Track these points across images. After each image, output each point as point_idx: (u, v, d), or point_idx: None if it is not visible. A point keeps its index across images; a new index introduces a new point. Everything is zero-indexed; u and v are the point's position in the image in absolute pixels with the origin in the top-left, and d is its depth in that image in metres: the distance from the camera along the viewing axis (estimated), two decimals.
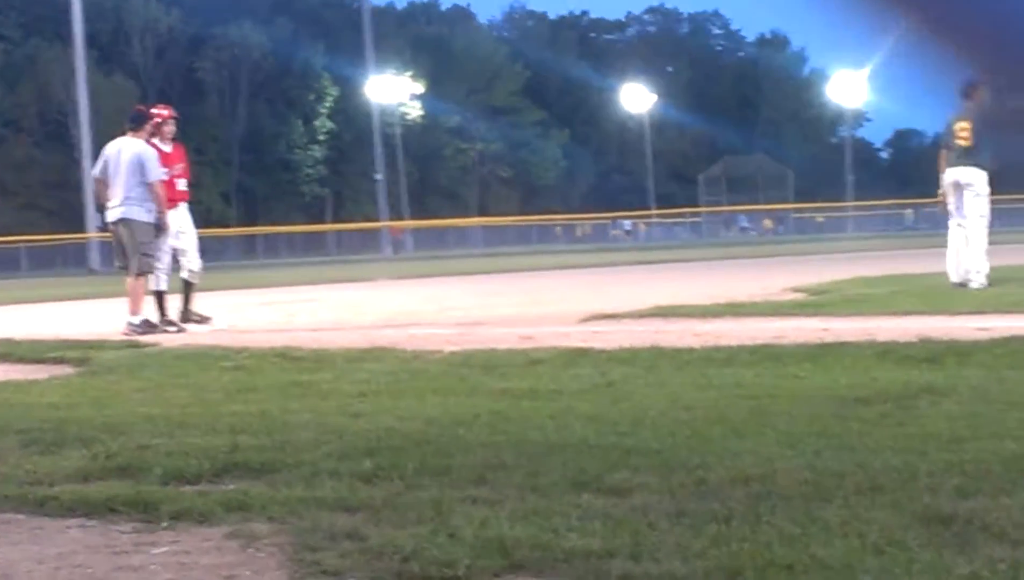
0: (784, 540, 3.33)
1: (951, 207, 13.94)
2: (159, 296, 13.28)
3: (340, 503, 4.06)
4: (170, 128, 13.80)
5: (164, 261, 13.40)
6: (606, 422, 5.45)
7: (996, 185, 13.77)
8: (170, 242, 13.49)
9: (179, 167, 13.84)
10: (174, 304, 13.54)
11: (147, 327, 12.63)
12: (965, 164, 13.75)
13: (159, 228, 12.98)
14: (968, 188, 13.80)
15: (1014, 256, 18.38)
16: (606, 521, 3.62)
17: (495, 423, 5.55)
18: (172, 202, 13.44)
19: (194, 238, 13.93)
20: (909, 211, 79.29)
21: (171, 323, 13.08)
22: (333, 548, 3.54)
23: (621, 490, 4.05)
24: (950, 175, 13.87)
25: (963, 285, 13.45)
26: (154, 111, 13.85)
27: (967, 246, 13.77)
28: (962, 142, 13.74)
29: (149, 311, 12.99)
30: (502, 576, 3.24)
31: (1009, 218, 71.55)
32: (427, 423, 5.61)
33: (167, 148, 13.71)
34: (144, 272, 12.91)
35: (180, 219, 13.66)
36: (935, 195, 14.37)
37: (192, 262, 13.80)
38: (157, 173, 12.96)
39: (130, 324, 12.65)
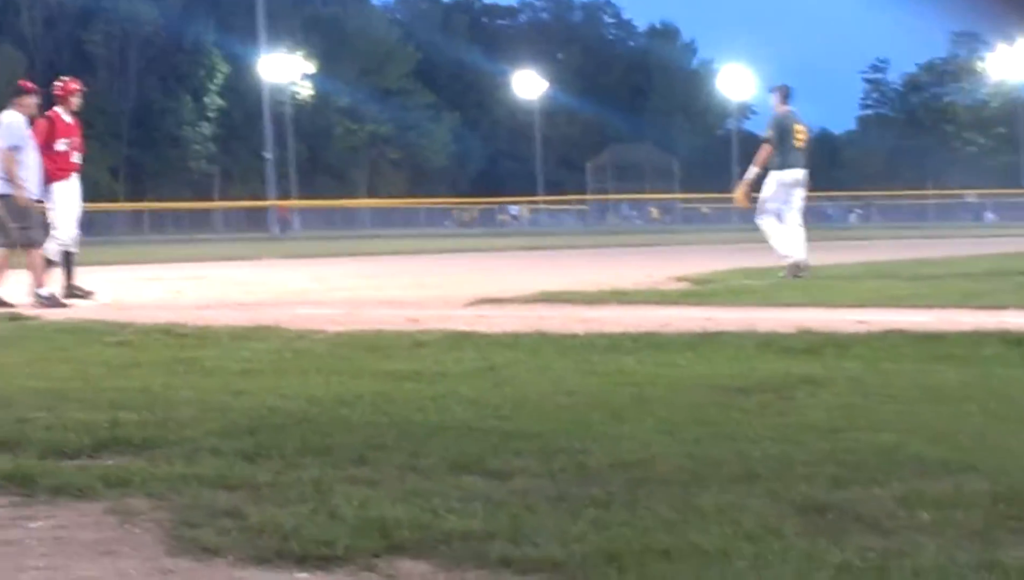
0: (662, 526, 3.37)
1: (776, 204, 14.59)
2: (63, 263, 13.32)
3: (220, 480, 4.02)
4: (77, 100, 13.83)
5: (50, 231, 13.33)
6: (488, 405, 5.46)
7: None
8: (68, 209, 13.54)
9: (76, 140, 13.81)
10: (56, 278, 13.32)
11: (52, 301, 12.41)
12: (803, 165, 14.73)
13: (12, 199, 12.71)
14: (801, 186, 14.74)
15: (899, 251, 18.75)
16: (486, 503, 3.63)
17: (378, 404, 5.53)
18: (65, 173, 13.48)
19: (78, 211, 13.79)
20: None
21: (78, 290, 13.12)
22: (212, 525, 3.51)
23: (501, 473, 4.07)
24: (795, 173, 14.65)
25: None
26: (67, 84, 13.82)
27: (793, 235, 14.53)
28: (800, 144, 14.66)
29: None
30: (381, 556, 3.23)
31: (892, 214, 73.03)
32: (310, 402, 5.58)
33: (68, 119, 13.70)
34: (29, 244, 12.68)
35: (71, 191, 13.63)
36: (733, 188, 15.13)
37: (66, 233, 13.59)
38: (4, 145, 12.76)
39: (37, 296, 12.46)
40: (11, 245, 12.67)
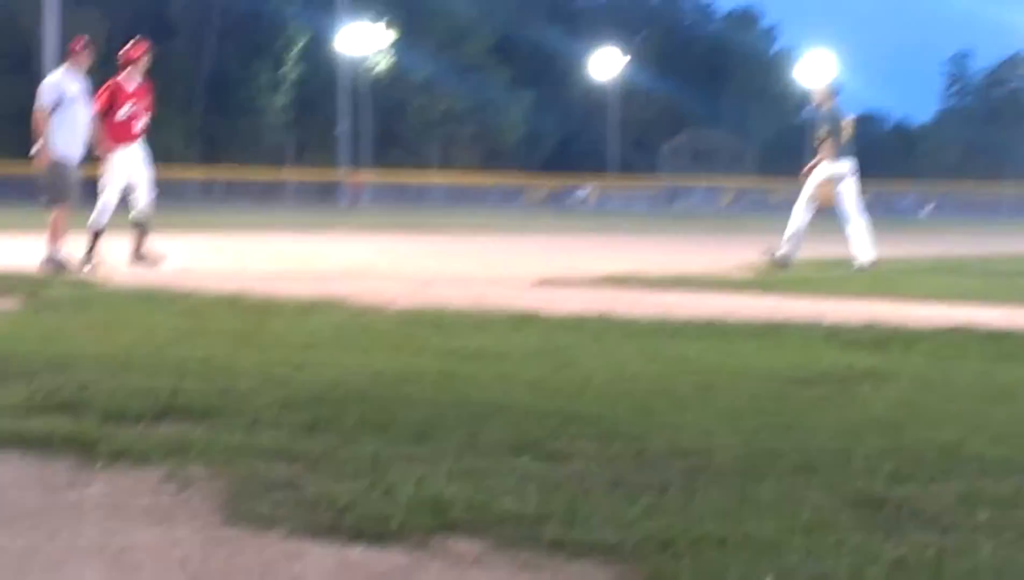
0: (717, 514, 3.36)
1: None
2: (95, 234, 13.23)
3: (278, 452, 4.05)
4: (143, 64, 13.80)
5: (109, 198, 13.42)
6: (549, 388, 5.47)
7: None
8: (121, 179, 13.50)
9: (141, 106, 13.77)
10: (124, 244, 13.48)
11: (52, 265, 12.46)
12: (851, 157, 14.96)
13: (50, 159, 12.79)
14: (849, 178, 14.96)
15: (971, 245, 18.53)
16: (542, 486, 3.63)
17: (439, 382, 5.55)
18: (123, 140, 13.44)
19: (147, 177, 13.82)
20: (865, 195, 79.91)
21: (88, 261, 12.99)
22: (268, 497, 3.54)
23: (559, 456, 4.07)
24: (844, 166, 14.85)
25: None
26: (132, 47, 13.83)
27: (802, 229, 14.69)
28: (849, 137, 14.94)
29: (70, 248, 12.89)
30: (435, 534, 3.25)
31: (967, 208, 72.11)
32: (371, 378, 5.61)
33: (132, 86, 13.70)
34: (51, 204, 12.82)
35: (134, 157, 13.63)
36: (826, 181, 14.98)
37: (140, 200, 13.70)
38: (39, 104, 12.84)
39: (43, 259, 12.59)
40: (60, 203, 12.77)
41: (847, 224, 14.80)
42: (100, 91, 13.49)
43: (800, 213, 14.78)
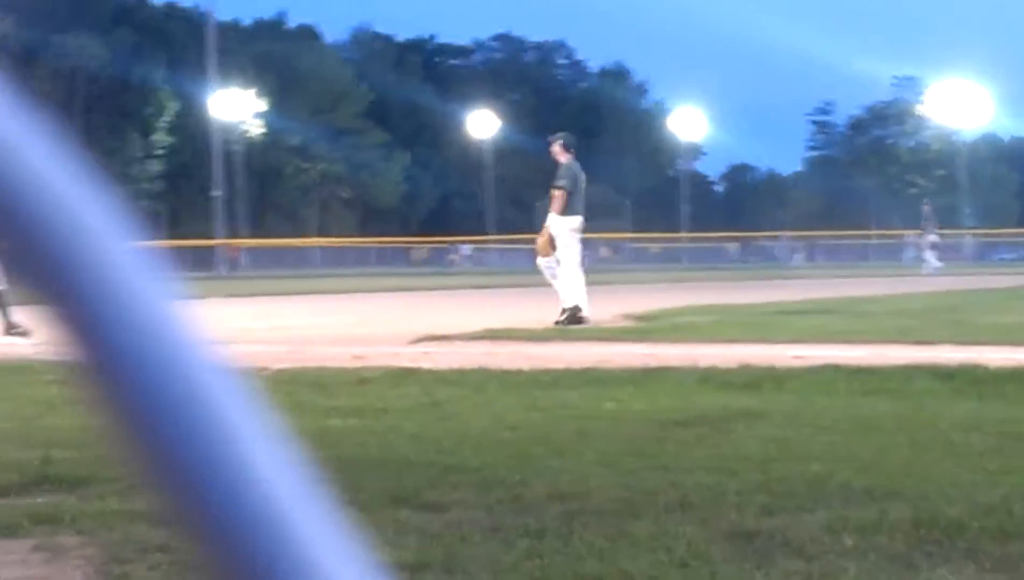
0: (594, 554, 3.40)
1: (573, 247, 14.51)
2: None
3: (152, 516, 4.01)
4: None
5: None
6: (430, 440, 5.49)
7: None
8: None
9: None
10: None
11: None
12: (584, 213, 14.81)
13: None
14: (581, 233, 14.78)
15: (840, 289, 18.93)
16: (421, 535, 3.65)
17: (319, 440, 5.53)
18: None
19: None
20: (735, 245, 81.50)
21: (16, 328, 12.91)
22: (143, 560, 3.51)
23: (438, 506, 4.09)
24: (579, 221, 14.67)
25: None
26: None
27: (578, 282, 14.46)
28: (582, 193, 14.72)
29: None
30: None
31: (835, 254, 73.77)
32: None
33: None
34: None
35: None
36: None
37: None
38: None
39: None
40: None
41: (556, 276, 14.63)
42: None
43: (572, 274, 14.55)
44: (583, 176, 14.84)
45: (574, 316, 13.87)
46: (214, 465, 0.36)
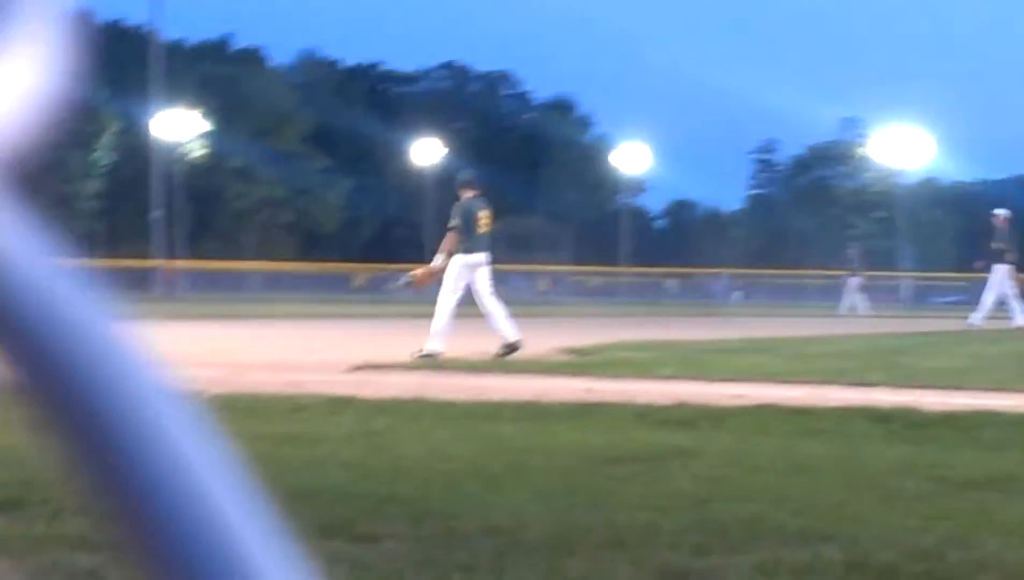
0: None
1: (459, 283, 14.54)
2: None
3: (82, 541, 3.95)
4: None
5: None
6: (364, 470, 5.46)
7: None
8: None
9: None
10: None
11: None
12: (486, 248, 14.90)
13: None
14: (484, 268, 14.84)
15: (779, 329, 19.06)
16: (352, 566, 3.62)
17: (251, 466, 5.48)
18: None
19: None
20: (675, 281, 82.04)
21: None
22: None
23: (371, 537, 4.07)
24: (479, 258, 14.76)
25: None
26: None
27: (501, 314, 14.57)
28: (485, 229, 14.89)
29: None
30: None
31: (774, 293, 74.37)
32: None
33: None
34: None
35: None
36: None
37: None
38: None
39: None
40: None
41: (486, 309, 14.80)
42: None
43: (447, 307, 14.68)
44: (480, 211, 14.95)
45: (511, 346, 13.94)
46: (157, 484, 0.35)
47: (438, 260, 14.91)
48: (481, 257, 14.81)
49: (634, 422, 7.36)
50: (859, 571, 3.60)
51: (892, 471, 5.64)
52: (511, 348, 13.94)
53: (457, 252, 14.64)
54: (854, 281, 40.85)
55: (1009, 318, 24.82)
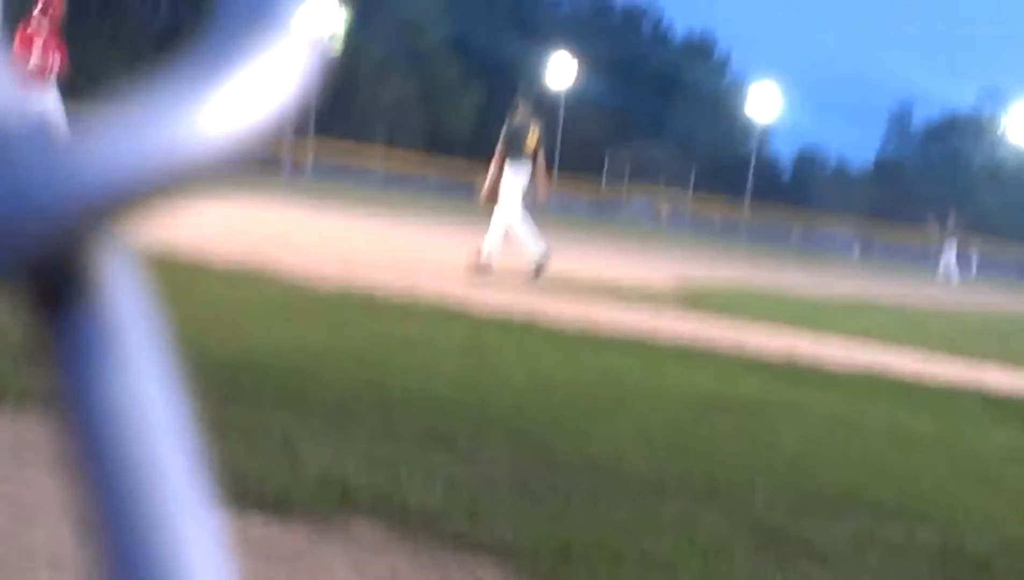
0: (617, 528, 3.41)
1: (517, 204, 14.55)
2: None
3: (193, 419, 4.04)
4: (56, 15, 13.75)
5: None
6: (469, 385, 5.50)
7: None
8: None
9: (47, 53, 13.74)
10: None
11: None
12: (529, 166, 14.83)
13: None
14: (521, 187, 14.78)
15: (891, 287, 18.71)
16: (448, 481, 3.67)
17: (360, 365, 5.57)
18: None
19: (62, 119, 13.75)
20: (796, 227, 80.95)
21: None
22: None
23: (469, 453, 4.11)
24: (518, 176, 14.69)
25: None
26: None
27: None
28: (530, 149, 14.84)
29: None
30: (338, 516, 3.28)
31: (893, 252, 73.02)
32: (293, 352, 5.61)
33: (41, 33, 13.62)
34: None
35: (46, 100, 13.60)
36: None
37: None
38: None
39: None
40: None
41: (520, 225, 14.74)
42: (15, 34, 13.60)
43: (508, 222, 14.65)
44: (530, 133, 14.93)
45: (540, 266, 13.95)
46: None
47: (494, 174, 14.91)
48: (524, 175, 14.86)
49: (742, 371, 7.32)
50: (953, 558, 3.56)
51: (997, 457, 5.56)
52: (542, 266, 13.99)
53: (508, 167, 14.74)
54: (950, 247, 39.90)
55: None
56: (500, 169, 14.78)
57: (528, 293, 10.87)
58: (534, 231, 14.40)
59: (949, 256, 39.56)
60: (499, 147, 14.88)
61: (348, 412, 4.42)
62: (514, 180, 14.65)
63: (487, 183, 15.01)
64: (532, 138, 15.00)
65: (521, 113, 15.12)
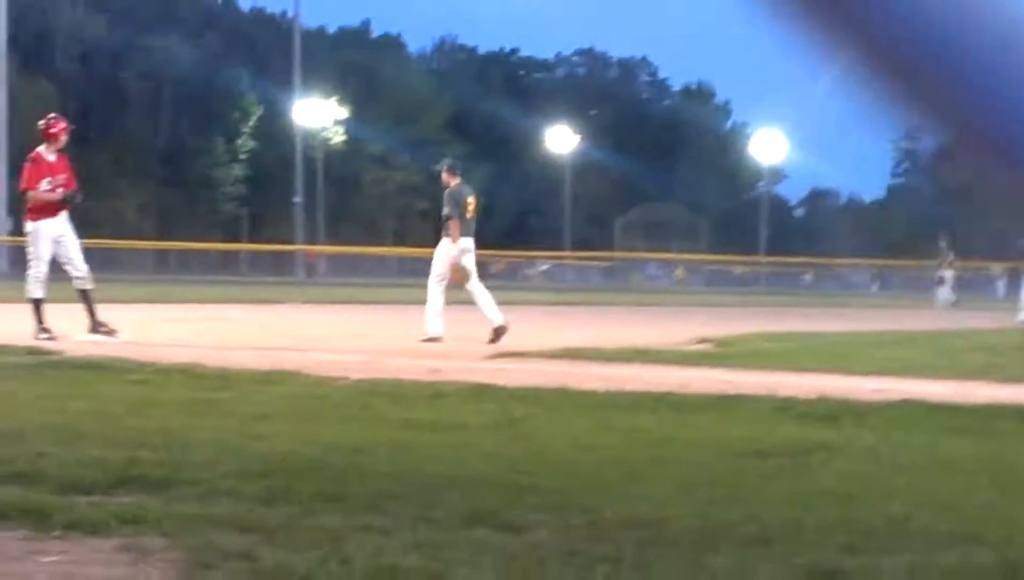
0: None
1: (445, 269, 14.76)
2: (35, 304, 13.41)
3: (235, 522, 4.06)
4: (63, 139, 14.02)
5: (37, 269, 13.57)
6: (505, 459, 5.49)
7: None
8: (50, 249, 13.68)
9: (62, 177, 13.90)
10: (80, 317, 13.49)
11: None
12: (472, 233, 15.10)
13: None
14: (471, 253, 15.06)
15: (914, 321, 18.58)
16: (498, 556, 3.66)
17: (395, 453, 5.57)
18: (46, 213, 13.66)
19: (75, 244, 13.85)
20: (808, 274, 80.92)
21: (45, 331, 13.15)
22: (225, 567, 3.55)
23: (515, 526, 4.09)
24: (469, 242, 14.99)
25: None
26: (51, 122, 13.96)
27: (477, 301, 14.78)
28: (472, 214, 15.11)
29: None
30: None
31: (913, 284, 72.93)
32: (326, 449, 5.62)
33: (52, 158, 13.85)
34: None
35: (60, 227, 13.73)
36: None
37: (76, 269, 13.76)
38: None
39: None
40: None
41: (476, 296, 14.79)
42: (24, 165, 13.97)
43: (435, 292, 14.81)
44: (470, 197, 15.13)
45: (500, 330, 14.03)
46: None
47: (453, 250, 14.93)
48: (470, 242, 14.95)
49: (775, 415, 7.29)
50: (1015, 574, 3.53)
51: None
52: (499, 332, 14.12)
53: (451, 239, 14.83)
54: (946, 273, 39.35)
55: None
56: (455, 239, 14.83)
57: (552, 364, 10.87)
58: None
59: (946, 281, 39.06)
60: (452, 221, 14.86)
61: (389, 501, 4.42)
62: (460, 247, 14.77)
63: (455, 259, 14.97)
64: (473, 203, 15.17)
65: (457, 178, 15.19)
